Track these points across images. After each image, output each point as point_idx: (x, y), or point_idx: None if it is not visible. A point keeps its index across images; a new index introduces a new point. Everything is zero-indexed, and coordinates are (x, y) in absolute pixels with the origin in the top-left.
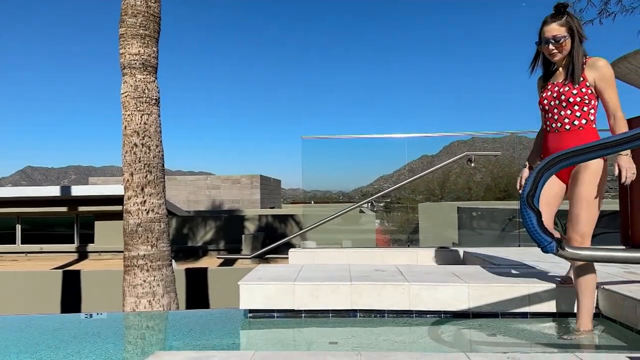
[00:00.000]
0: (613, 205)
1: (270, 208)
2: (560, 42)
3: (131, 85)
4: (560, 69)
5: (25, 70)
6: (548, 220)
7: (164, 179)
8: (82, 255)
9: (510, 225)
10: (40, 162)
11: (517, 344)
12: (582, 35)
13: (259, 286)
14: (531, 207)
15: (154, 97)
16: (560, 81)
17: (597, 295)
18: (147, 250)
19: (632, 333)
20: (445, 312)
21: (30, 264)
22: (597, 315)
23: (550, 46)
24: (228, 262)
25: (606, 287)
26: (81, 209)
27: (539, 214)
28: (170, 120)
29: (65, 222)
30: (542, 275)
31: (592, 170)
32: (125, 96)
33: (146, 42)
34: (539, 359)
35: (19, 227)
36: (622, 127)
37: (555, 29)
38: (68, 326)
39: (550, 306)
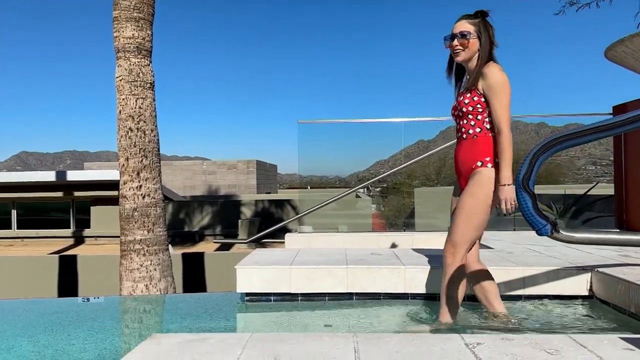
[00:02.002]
0: (608, 189)
1: (267, 193)
2: (467, 37)
3: (125, 69)
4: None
5: (19, 55)
6: None
7: (159, 163)
8: (79, 240)
9: None
10: (35, 147)
11: (510, 324)
12: (492, 41)
13: (255, 270)
14: (526, 190)
15: (149, 81)
16: (462, 90)
17: (591, 278)
18: (144, 234)
19: (625, 315)
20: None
21: (26, 249)
22: (591, 297)
23: (455, 41)
24: (224, 247)
25: (600, 269)
26: (77, 194)
27: (534, 197)
28: (165, 105)
29: (61, 207)
30: (536, 259)
31: (475, 182)
32: (120, 80)
33: (140, 25)
34: (532, 339)
35: (14, 212)
36: (505, 145)
37: (463, 25)
38: (65, 310)
39: (544, 289)
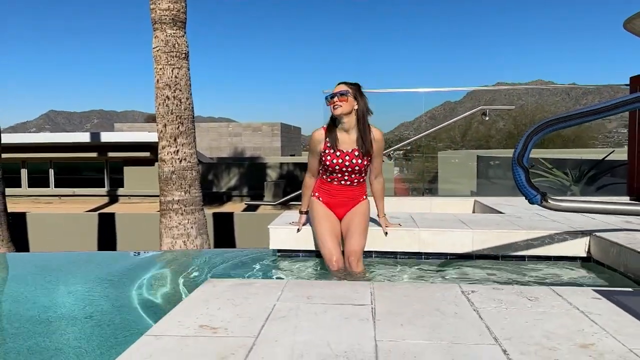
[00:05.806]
0: (622, 155)
1: (291, 155)
2: (346, 95)
3: (162, 40)
4: (347, 136)
5: (49, 15)
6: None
7: (194, 129)
8: (113, 199)
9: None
10: (63, 106)
11: (509, 280)
12: (368, 109)
13: (286, 230)
14: (521, 166)
15: (184, 52)
16: (350, 151)
17: (589, 241)
18: (181, 195)
19: (616, 274)
20: (450, 254)
21: (64, 206)
22: (588, 259)
23: (335, 98)
24: (252, 208)
25: (597, 234)
26: (110, 154)
27: (527, 172)
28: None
29: (96, 167)
30: (541, 223)
31: (363, 207)
32: (157, 50)
33: None
34: (517, 289)
35: (52, 172)
36: (383, 186)
37: (342, 87)
38: (122, 262)
39: (546, 250)
